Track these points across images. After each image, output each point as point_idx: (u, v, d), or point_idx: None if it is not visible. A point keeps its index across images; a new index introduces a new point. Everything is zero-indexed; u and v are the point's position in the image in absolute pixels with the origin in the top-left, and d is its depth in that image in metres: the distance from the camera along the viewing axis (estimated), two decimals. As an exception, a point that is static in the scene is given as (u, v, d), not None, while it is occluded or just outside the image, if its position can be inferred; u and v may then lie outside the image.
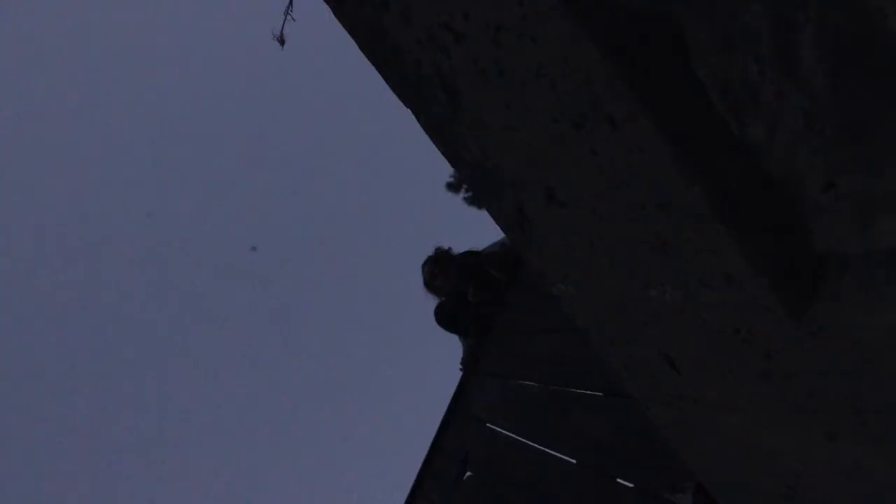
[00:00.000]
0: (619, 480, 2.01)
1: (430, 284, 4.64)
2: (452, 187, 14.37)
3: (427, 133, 0.99)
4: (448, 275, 4.55)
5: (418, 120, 1.00)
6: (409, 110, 1.04)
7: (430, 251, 4.70)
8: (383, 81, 1.05)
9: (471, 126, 0.85)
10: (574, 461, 2.33)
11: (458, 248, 4.76)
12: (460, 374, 4.40)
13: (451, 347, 4.75)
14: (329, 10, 1.02)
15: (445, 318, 4.56)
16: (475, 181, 0.97)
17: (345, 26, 1.03)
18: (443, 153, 1.00)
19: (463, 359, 4.49)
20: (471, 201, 14.04)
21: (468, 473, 3.27)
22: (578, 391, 2.61)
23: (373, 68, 1.04)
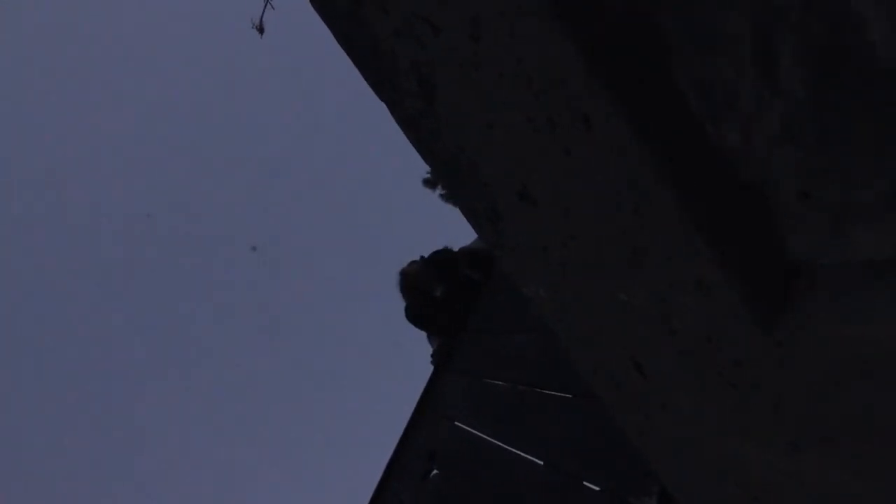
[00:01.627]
0: (585, 483, 2.02)
1: (405, 289, 4.63)
2: (429, 183, 14.32)
3: (401, 127, 0.97)
4: (422, 277, 4.54)
5: (392, 113, 0.98)
6: (383, 104, 1.02)
7: (404, 247, 4.68)
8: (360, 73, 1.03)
9: (445, 121, 0.83)
10: (541, 462, 2.33)
11: (434, 244, 4.75)
12: (430, 369, 4.39)
13: (421, 345, 4.75)
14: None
15: (414, 316, 4.57)
16: (448, 177, 0.95)
17: (321, 16, 1.01)
18: (416, 148, 0.98)
19: (433, 353, 4.49)
20: (447, 198, 14.00)
21: (434, 471, 3.25)
22: (548, 392, 2.61)
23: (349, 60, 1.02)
